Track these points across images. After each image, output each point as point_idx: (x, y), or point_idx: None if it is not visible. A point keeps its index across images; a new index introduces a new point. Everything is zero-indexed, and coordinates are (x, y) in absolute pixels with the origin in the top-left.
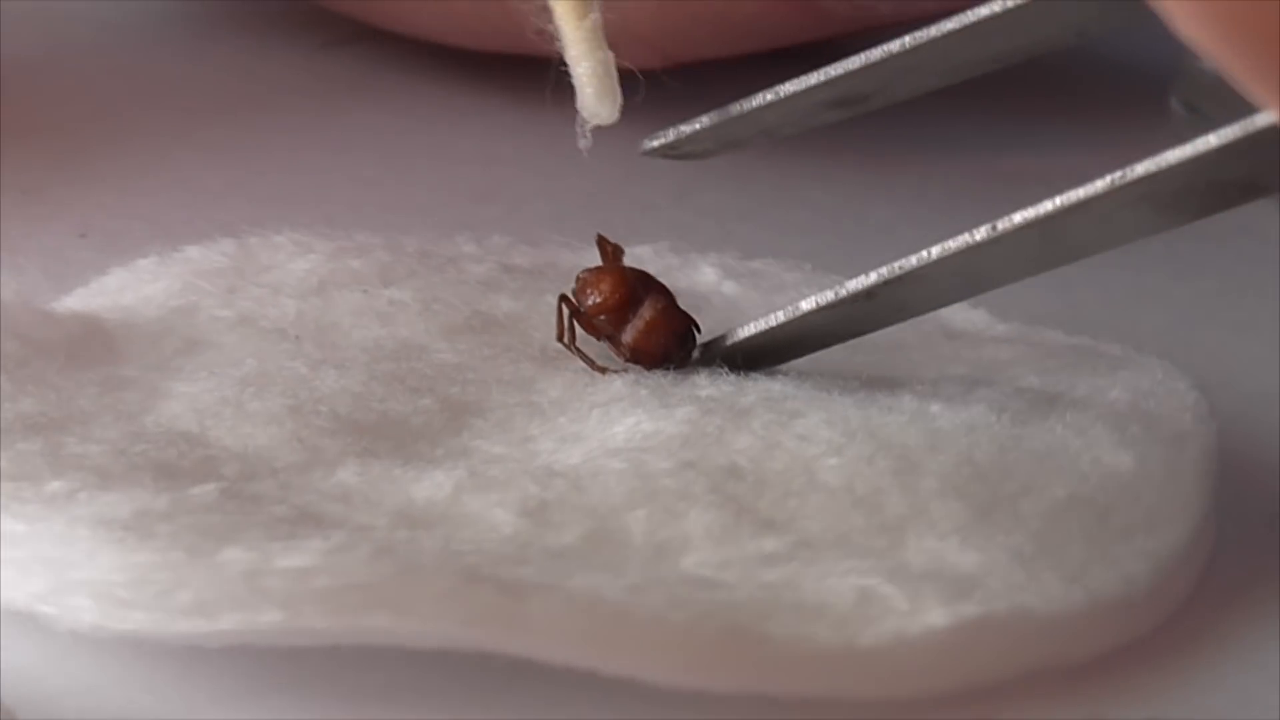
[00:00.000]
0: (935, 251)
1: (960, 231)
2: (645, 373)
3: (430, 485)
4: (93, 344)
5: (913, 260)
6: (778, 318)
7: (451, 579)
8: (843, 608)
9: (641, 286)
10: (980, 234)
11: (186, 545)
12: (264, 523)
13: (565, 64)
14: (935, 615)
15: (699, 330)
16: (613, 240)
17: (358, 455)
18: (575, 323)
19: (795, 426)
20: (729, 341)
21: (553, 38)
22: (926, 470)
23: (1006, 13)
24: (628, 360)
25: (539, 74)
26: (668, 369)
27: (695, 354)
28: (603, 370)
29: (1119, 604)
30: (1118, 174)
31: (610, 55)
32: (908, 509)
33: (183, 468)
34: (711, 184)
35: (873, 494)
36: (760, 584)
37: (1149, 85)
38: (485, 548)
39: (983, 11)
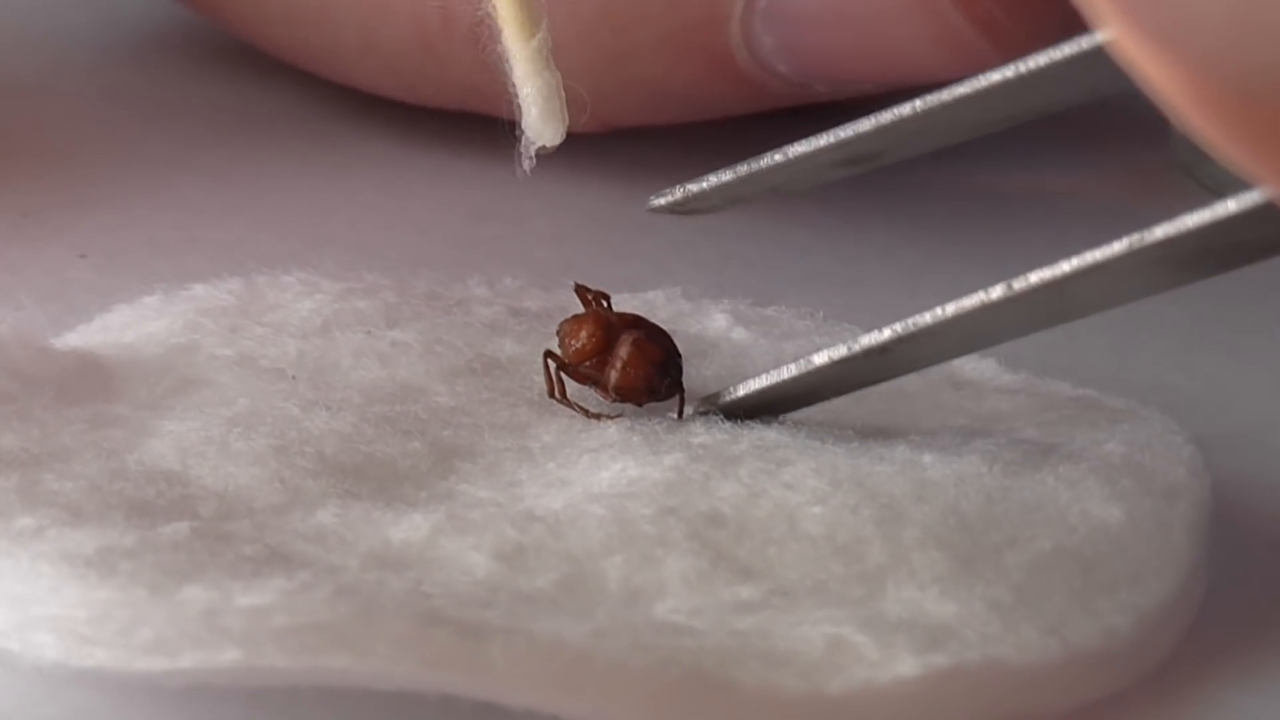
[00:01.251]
0: (950, 309)
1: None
2: (641, 419)
3: (408, 527)
4: (87, 380)
5: (927, 317)
6: (789, 370)
7: (412, 620)
8: (812, 655)
9: (623, 326)
10: (996, 293)
11: (148, 582)
12: (230, 562)
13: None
14: (906, 665)
15: (679, 355)
16: (593, 288)
17: (339, 497)
18: (564, 375)
19: (783, 475)
20: (740, 394)
21: (500, 68)
22: (911, 520)
23: (1019, 78)
24: (615, 401)
25: None
26: (659, 399)
27: (697, 406)
28: (597, 417)
29: (1098, 656)
30: (1136, 236)
31: (557, 76)
32: (888, 558)
33: (158, 506)
34: None
35: (854, 543)
36: (731, 631)
37: (1148, 107)
38: (455, 590)
39: (995, 77)
